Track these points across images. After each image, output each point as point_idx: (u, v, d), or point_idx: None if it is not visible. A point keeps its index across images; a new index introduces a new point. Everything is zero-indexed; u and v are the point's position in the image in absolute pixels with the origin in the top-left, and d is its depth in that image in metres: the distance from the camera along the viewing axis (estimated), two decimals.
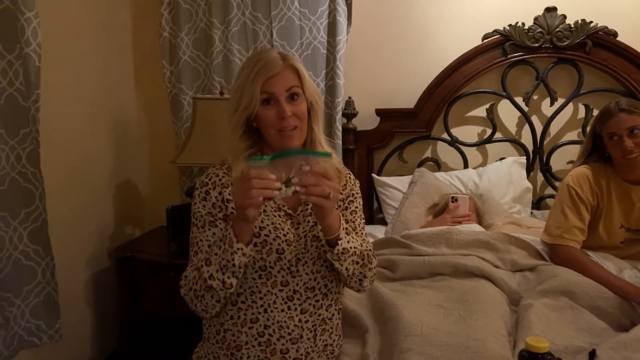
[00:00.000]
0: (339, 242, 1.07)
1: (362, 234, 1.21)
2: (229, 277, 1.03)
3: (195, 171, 2.36)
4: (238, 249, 1.02)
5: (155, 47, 2.33)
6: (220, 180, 1.14)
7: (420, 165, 2.32)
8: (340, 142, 2.26)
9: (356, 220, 1.22)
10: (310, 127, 1.14)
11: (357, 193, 1.25)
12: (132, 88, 2.40)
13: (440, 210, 2.01)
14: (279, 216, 1.13)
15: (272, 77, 1.07)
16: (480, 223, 1.98)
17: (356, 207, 1.23)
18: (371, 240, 1.81)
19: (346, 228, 1.10)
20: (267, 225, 1.11)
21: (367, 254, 1.15)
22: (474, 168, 2.30)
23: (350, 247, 1.08)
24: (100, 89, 2.15)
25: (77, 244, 2.02)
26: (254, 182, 0.94)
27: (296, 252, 1.12)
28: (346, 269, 1.10)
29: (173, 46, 2.31)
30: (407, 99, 2.29)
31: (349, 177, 1.25)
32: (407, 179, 2.25)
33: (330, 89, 2.26)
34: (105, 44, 2.18)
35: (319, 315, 1.14)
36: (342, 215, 1.15)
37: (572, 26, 2.13)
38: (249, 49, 2.26)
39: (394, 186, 2.25)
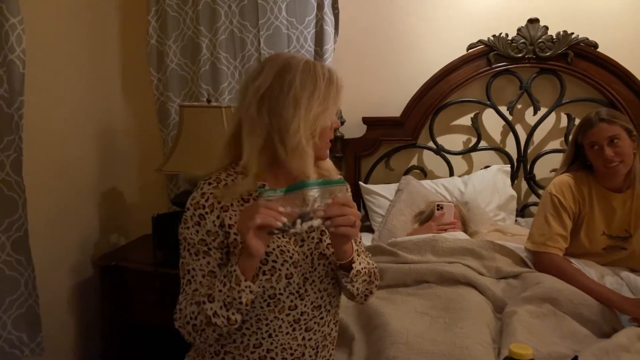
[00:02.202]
0: (353, 265, 1.05)
1: (361, 245, 1.20)
2: (233, 314, 0.99)
3: (182, 179, 2.35)
4: (246, 287, 0.96)
5: (143, 55, 2.32)
6: (219, 202, 1.03)
7: (406, 173, 2.34)
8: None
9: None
10: None
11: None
12: (119, 95, 2.39)
13: (426, 217, 2.03)
14: (283, 236, 1.06)
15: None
16: (465, 231, 2.00)
17: None
18: None
19: (356, 249, 1.09)
20: (274, 249, 1.04)
21: (374, 272, 1.15)
22: (460, 176, 2.33)
23: (362, 269, 1.08)
24: (87, 96, 2.14)
25: (59, 253, 1.99)
26: (261, 211, 0.89)
27: (303, 272, 1.07)
28: (357, 289, 1.09)
29: (160, 54, 2.31)
30: (394, 107, 2.31)
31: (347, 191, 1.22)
32: (393, 186, 2.27)
33: None
34: (91, 51, 2.16)
35: (322, 332, 1.12)
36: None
37: (554, 37, 2.17)
38: (236, 57, 2.27)
39: (380, 194, 2.26)
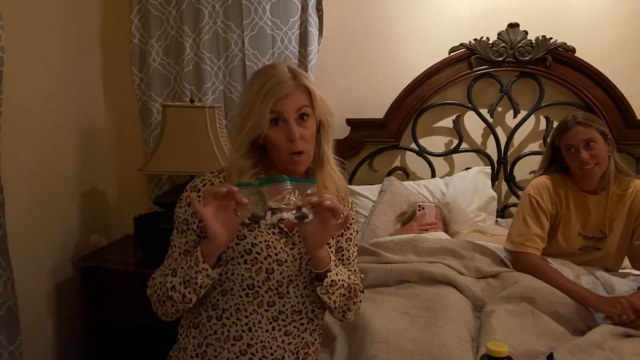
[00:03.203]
0: (328, 274, 1.04)
1: (354, 263, 1.19)
2: (189, 293, 1.02)
3: (164, 179, 2.34)
4: (203, 269, 0.99)
5: (125, 54, 2.30)
6: None
7: (389, 174, 2.36)
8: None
9: (350, 248, 1.18)
10: (320, 145, 1.09)
11: (354, 220, 1.20)
12: (100, 94, 2.36)
13: (408, 218, 2.05)
14: (273, 233, 1.08)
15: (282, 97, 1.02)
16: (446, 231, 2.03)
17: (351, 234, 1.19)
18: None
19: (334, 260, 1.07)
20: (260, 242, 1.06)
21: (354, 288, 1.12)
22: (441, 177, 2.36)
23: (339, 280, 1.06)
24: (67, 95, 2.11)
25: (38, 254, 1.96)
26: (222, 188, 0.92)
27: (288, 274, 1.07)
28: (334, 301, 1.08)
29: (143, 53, 2.29)
30: (377, 109, 2.33)
31: (349, 202, 1.21)
32: (376, 187, 2.29)
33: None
34: (73, 49, 2.14)
35: (303, 338, 1.12)
36: (337, 242, 1.14)
37: (533, 42, 2.22)
38: (220, 57, 2.27)
39: (364, 195, 2.28)
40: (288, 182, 0.95)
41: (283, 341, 1.09)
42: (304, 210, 0.94)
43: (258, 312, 1.07)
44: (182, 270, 1.02)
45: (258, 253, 1.05)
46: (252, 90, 1.05)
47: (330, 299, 1.07)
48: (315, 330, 1.15)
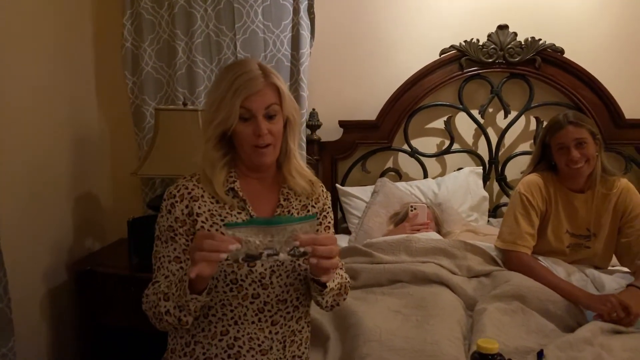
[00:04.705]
0: (328, 283, 1.07)
1: (341, 263, 1.21)
2: (185, 316, 1.03)
3: (158, 182, 2.34)
4: (192, 298, 1.00)
5: (118, 58, 2.30)
6: (189, 193, 1.11)
7: (382, 175, 2.38)
8: (304, 152, 2.30)
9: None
10: (286, 142, 1.14)
11: (329, 207, 1.23)
12: (93, 98, 2.36)
13: (401, 219, 2.07)
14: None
15: (252, 94, 1.06)
16: (439, 231, 2.05)
17: (329, 223, 1.22)
18: None
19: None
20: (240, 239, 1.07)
21: (345, 286, 1.17)
22: (433, 178, 2.38)
23: (335, 286, 1.10)
24: (60, 99, 2.11)
25: (32, 258, 1.95)
26: (205, 244, 0.92)
27: (270, 264, 1.11)
28: (326, 301, 1.13)
29: (135, 57, 2.29)
30: (369, 111, 2.35)
31: (322, 190, 1.23)
32: (369, 188, 2.30)
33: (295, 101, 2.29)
34: (65, 53, 2.14)
35: (289, 327, 1.14)
36: (317, 231, 1.16)
37: (523, 43, 2.25)
38: (212, 60, 2.28)
39: (357, 196, 2.30)
40: (287, 223, 0.96)
41: (270, 331, 1.11)
42: (301, 248, 0.95)
43: (243, 305, 1.09)
44: (174, 296, 1.02)
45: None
46: (222, 84, 1.08)
47: (323, 299, 1.11)
48: (301, 318, 1.17)
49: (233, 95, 1.05)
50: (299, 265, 1.12)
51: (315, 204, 1.20)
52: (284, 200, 1.16)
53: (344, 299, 1.19)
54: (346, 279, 1.18)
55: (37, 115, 1.97)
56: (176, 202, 1.11)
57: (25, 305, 1.87)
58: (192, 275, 0.93)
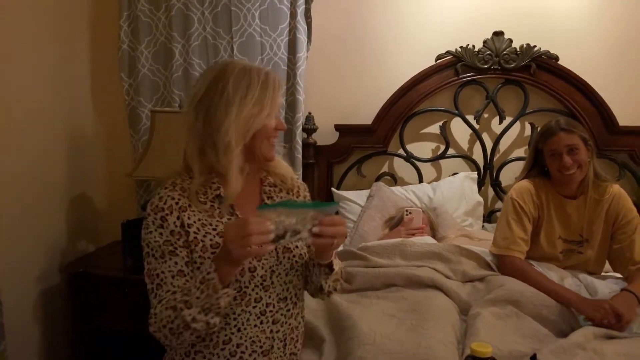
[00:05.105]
0: (334, 267, 1.13)
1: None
2: (212, 317, 1.01)
3: (153, 185, 2.34)
4: (224, 293, 0.99)
5: (114, 60, 2.30)
6: (177, 203, 1.08)
7: (377, 179, 2.39)
8: (300, 156, 2.30)
9: None
10: None
11: (309, 200, 1.29)
12: (89, 100, 2.36)
13: (396, 223, 2.07)
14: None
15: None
16: (434, 236, 2.05)
17: None
18: None
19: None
20: None
21: (342, 271, 1.23)
22: (429, 183, 2.39)
23: (338, 269, 1.17)
24: (56, 100, 2.10)
25: (25, 259, 1.94)
26: (254, 235, 0.92)
27: (269, 265, 1.11)
28: (329, 285, 1.17)
29: (132, 59, 2.30)
30: (365, 115, 2.36)
31: (300, 184, 1.28)
32: (365, 193, 2.31)
33: (291, 105, 2.30)
34: (61, 55, 2.14)
35: (289, 325, 1.16)
36: None
37: (518, 50, 2.27)
38: (209, 63, 2.28)
39: (352, 200, 2.30)
40: (310, 207, 1.02)
41: (271, 331, 1.12)
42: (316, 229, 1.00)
43: (246, 310, 1.09)
44: (199, 301, 1.00)
45: None
46: (252, 86, 1.08)
47: (327, 283, 1.15)
48: (298, 314, 1.20)
49: (274, 93, 1.09)
50: (296, 262, 1.16)
51: (297, 197, 1.23)
52: (268, 198, 1.19)
53: (341, 285, 1.23)
54: (342, 265, 1.25)
55: (32, 117, 1.97)
56: (166, 215, 1.06)
57: (17, 308, 1.86)
58: (255, 256, 0.99)
